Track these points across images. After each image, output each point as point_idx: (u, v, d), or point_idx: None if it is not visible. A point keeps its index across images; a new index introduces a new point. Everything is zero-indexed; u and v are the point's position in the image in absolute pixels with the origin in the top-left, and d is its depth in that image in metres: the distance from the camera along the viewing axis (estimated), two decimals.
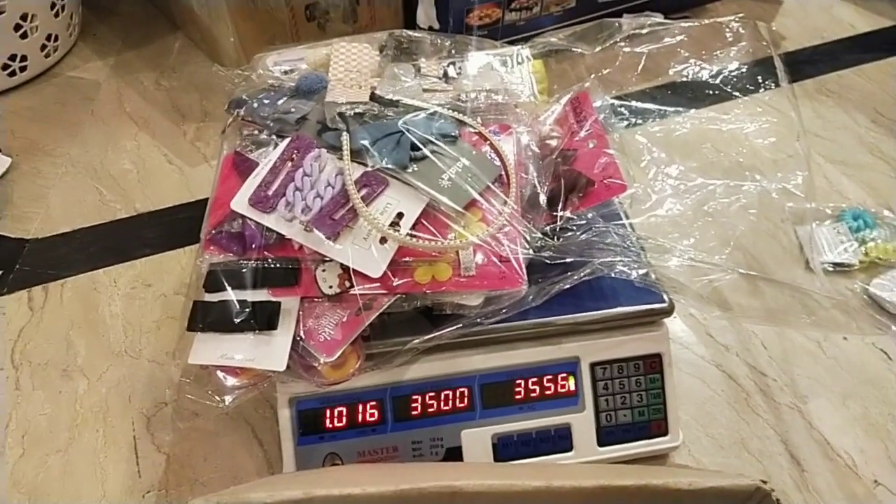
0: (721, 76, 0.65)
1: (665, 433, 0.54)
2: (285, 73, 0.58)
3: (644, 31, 0.64)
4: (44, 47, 0.97)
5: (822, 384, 0.61)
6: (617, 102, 0.63)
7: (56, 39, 0.99)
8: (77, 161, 0.85)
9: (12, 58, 0.93)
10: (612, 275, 0.48)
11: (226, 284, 0.46)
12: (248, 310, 0.45)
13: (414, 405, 0.52)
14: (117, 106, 0.94)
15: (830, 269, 0.69)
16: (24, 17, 0.91)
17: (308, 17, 0.90)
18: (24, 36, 0.92)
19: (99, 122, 0.91)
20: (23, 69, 0.95)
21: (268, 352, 0.45)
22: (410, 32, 0.61)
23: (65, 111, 0.93)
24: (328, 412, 0.51)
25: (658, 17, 0.66)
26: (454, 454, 0.52)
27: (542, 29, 0.96)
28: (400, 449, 0.51)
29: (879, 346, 0.64)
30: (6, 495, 0.53)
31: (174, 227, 0.76)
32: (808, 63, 1.00)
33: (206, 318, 0.45)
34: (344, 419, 0.51)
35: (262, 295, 0.46)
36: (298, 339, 0.45)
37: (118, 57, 1.03)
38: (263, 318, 0.45)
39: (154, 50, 1.04)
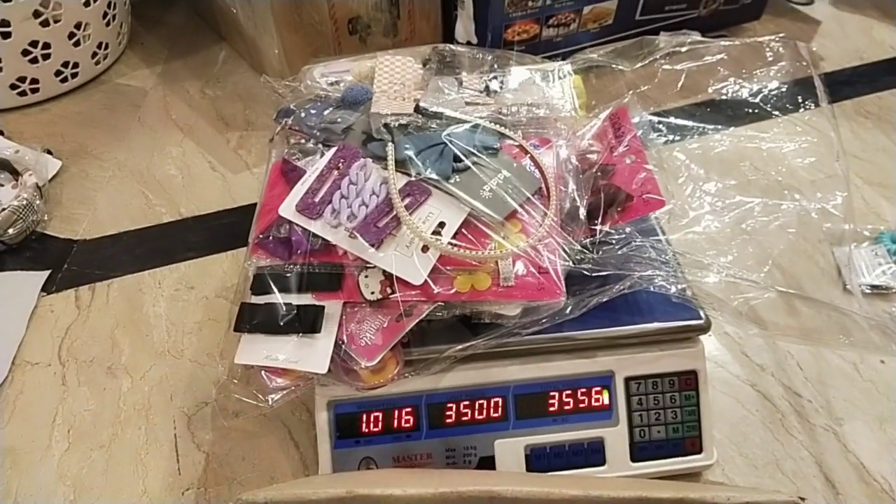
0: (760, 95, 0.65)
1: (699, 451, 0.54)
2: (331, 84, 0.60)
3: (683, 49, 0.64)
4: (94, 55, 1.00)
5: (859, 407, 0.61)
6: (655, 119, 0.64)
7: (106, 48, 1.02)
8: (124, 165, 0.88)
9: (65, 64, 0.97)
10: (651, 289, 0.49)
11: (272, 287, 0.48)
12: (292, 312, 0.47)
13: (448, 413, 0.52)
14: (163, 113, 0.97)
15: (868, 291, 0.69)
16: (77, 26, 0.95)
17: (350, 31, 0.92)
18: (76, 44, 0.96)
19: (145, 128, 0.94)
20: (74, 76, 0.99)
21: (310, 354, 0.46)
22: (453, 47, 0.62)
23: (113, 117, 0.96)
24: (364, 417, 0.52)
25: (696, 35, 0.67)
26: (487, 463, 0.52)
27: (579, 45, 0.97)
28: (434, 456, 0.52)
29: None
30: (52, 487, 0.55)
31: (217, 231, 0.78)
32: (846, 84, 0.99)
33: (253, 320, 0.47)
34: (380, 424, 0.52)
35: (306, 299, 0.47)
36: (340, 342, 0.46)
37: (165, 66, 1.07)
38: (307, 321, 0.46)
39: (199, 60, 1.07)
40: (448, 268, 0.47)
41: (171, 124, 0.94)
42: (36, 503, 0.54)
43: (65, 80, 0.98)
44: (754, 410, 0.61)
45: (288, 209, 0.49)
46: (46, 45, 0.92)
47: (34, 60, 0.93)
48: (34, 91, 0.96)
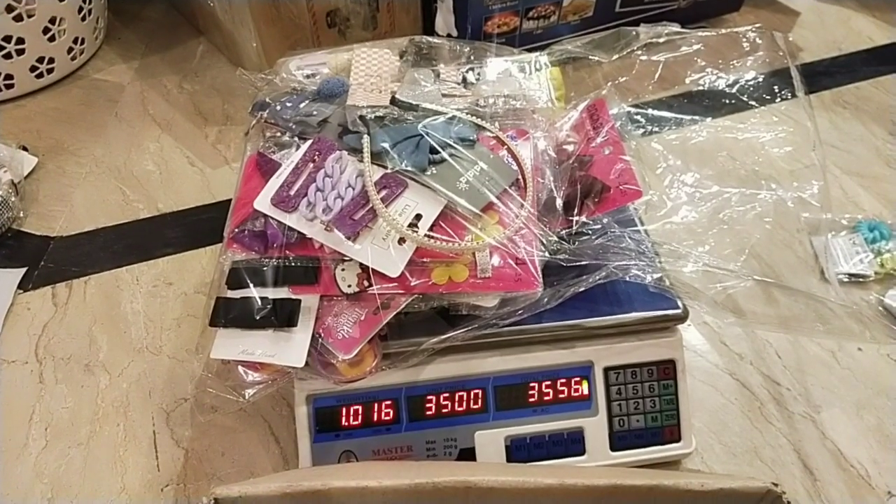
0: (738, 85, 0.65)
1: (678, 439, 0.54)
2: (307, 77, 0.60)
3: (661, 40, 0.64)
4: (70, 50, 0.99)
5: (836, 394, 0.61)
6: (633, 110, 0.64)
7: (83, 43, 1.01)
8: (101, 161, 0.87)
9: (40, 60, 0.95)
10: (627, 278, 0.49)
11: (248, 281, 0.47)
12: (269, 307, 0.46)
13: (428, 405, 0.52)
14: (141, 108, 0.96)
15: (845, 279, 0.69)
16: (52, 21, 0.93)
17: (329, 24, 0.91)
18: (52, 39, 0.95)
19: (123, 123, 0.93)
20: (50, 71, 0.98)
21: (287, 348, 0.46)
22: (430, 39, 0.62)
23: (90, 113, 0.95)
24: (344, 410, 0.52)
25: (675, 27, 0.67)
26: (467, 455, 0.52)
27: (559, 38, 0.97)
28: (414, 448, 0.52)
29: (894, 358, 0.64)
30: (29, 485, 0.55)
31: (195, 227, 0.77)
32: (825, 74, 1.00)
33: (229, 314, 0.47)
34: (359, 418, 0.52)
35: (282, 292, 0.47)
36: (317, 336, 0.46)
37: (142, 60, 1.06)
38: (284, 315, 0.46)
39: (177, 54, 1.06)
40: (425, 260, 0.47)
41: (148, 119, 0.93)
42: (13, 502, 0.54)
43: (40, 75, 0.97)
44: (733, 399, 0.61)
45: (263, 202, 0.49)
46: (20, 41, 0.91)
47: (8, 56, 0.91)
48: (9, 87, 0.95)
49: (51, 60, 0.97)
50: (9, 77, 0.94)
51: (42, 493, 0.55)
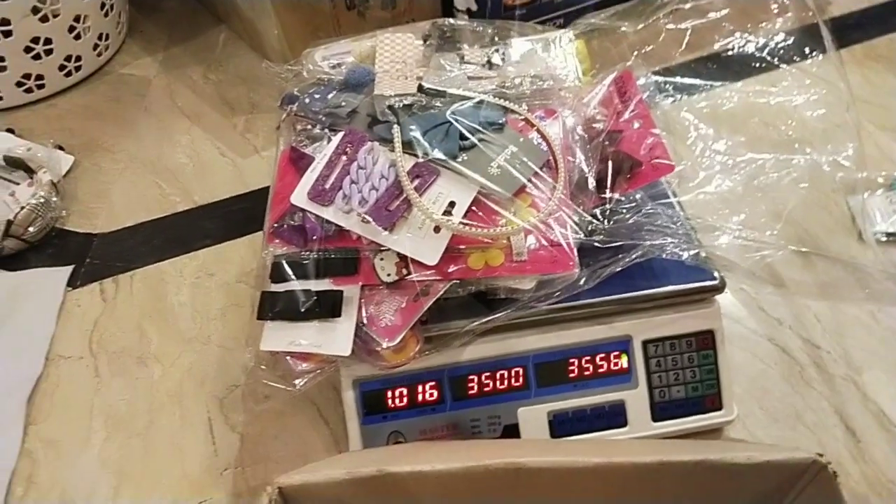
0: (767, 48, 0.64)
1: (719, 408, 0.55)
2: (333, 67, 0.60)
3: (687, 6, 0.63)
4: (96, 46, 1.00)
5: (877, 355, 0.61)
6: (661, 79, 0.64)
7: (107, 38, 1.02)
8: (135, 156, 0.89)
9: (68, 58, 0.97)
10: (664, 256, 0.49)
11: (291, 275, 0.49)
12: (312, 298, 0.48)
13: (471, 385, 0.54)
14: (169, 101, 0.97)
15: (883, 238, 0.68)
16: (77, 19, 0.94)
17: (348, 6, 0.91)
18: (77, 37, 0.96)
19: (152, 117, 0.95)
20: (78, 69, 0.99)
21: (333, 338, 0.47)
22: (452, 21, 0.62)
23: (119, 108, 0.97)
24: (390, 393, 0.53)
25: None
26: (511, 431, 0.54)
27: (580, 5, 0.96)
28: (459, 426, 0.54)
29: None
30: (95, 476, 0.58)
31: (231, 217, 0.79)
32: (856, 28, 0.97)
33: (274, 308, 0.48)
34: (405, 399, 0.53)
35: (324, 284, 0.48)
36: (361, 325, 0.47)
37: (165, 52, 1.07)
38: (327, 306, 0.47)
39: (199, 44, 1.07)
40: (461, 246, 0.48)
41: (177, 112, 0.95)
42: (82, 492, 0.57)
43: (69, 74, 0.98)
44: (773, 364, 0.61)
45: (300, 197, 0.50)
46: (48, 41, 0.92)
47: (37, 57, 0.93)
48: (40, 87, 0.96)
49: (78, 58, 0.98)
50: (39, 77, 0.95)
51: (108, 482, 0.57)
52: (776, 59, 0.63)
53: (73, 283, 0.74)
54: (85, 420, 0.62)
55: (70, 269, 0.75)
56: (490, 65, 0.58)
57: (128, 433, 0.61)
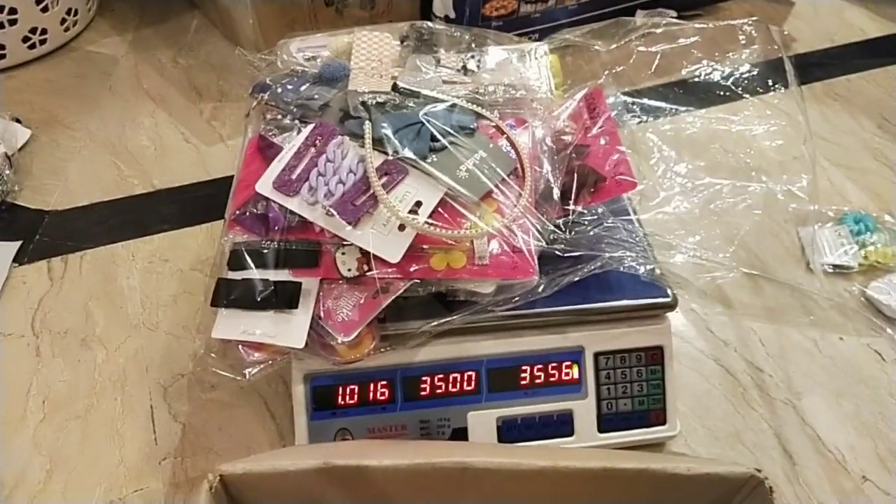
0: (732, 77, 0.66)
1: (663, 422, 0.56)
2: (308, 59, 0.60)
3: (659, 30, 0.65)
4: (63, 21, 0.98)
5: (817, 382, 0.63)
6: (630, 100, 0.65)
7: (76, 14, 1.00)
8: (95, 135, 0.86)
9: (33, 30, 0.94)
10: (621, 269, 0.50)
11: (250, 263, 0.48)
12: (270, 288, 0.47)
13: (423, 386, 0.54)
14: (135, 82, 0.95)
15: (830, 270, 0.71)
16: None
17: (326, 2, 0.91)
18: (45, 10, 0.93)
19: (117, 97, 0.93)
20: (42, 42, 0.96)
21: (288, 329, 0.47)
22: (431, 24, 0.62)
23: (83, 85, 0.95)
24: (341, 389, 0.53)
25: (672, 15, 0.68)
26: (460, 434, 0.54)
27: (556, 22, 0.97)
28: (408, 427, 0.54)
29: (874, 348, 0.66)
30: (28, 457, 0.56)
31: (191, 204, 0.77)
32: (817, 66, 1.01)
33: (230, 295, 0.47)
34: (356, 396, 0.53)
35: (283, 275, 0.48)
36: (317, 318, 0.47)
37: (136, 33, 1.05)
38: (285, 297, 0.47)
39: (171, 27, 1.05)
40: (424, 246, 0.48)
41: (142, 94, 0.93)
42: (13, 472, 0.55)
43: (32, 46, 0.96)
44: (717, 384, 0.63)
45: (265, 186, 0.49)
46: (13, 10, 0.90)
47: (0, 26, 0.90)
48: (0, 57, 0.93)
49: (43, 31, 0.95)
50: (1, 47, 0.92)
51: (41, 464, 0.55)
52: (740, 89, 0.65)
53: (20, 259, 0.71)
54: (21, 400, 0.60)
55: (18, 244, 0.72)
56: (465, 70, 0.58)
57: (66, 415, 0.59)
